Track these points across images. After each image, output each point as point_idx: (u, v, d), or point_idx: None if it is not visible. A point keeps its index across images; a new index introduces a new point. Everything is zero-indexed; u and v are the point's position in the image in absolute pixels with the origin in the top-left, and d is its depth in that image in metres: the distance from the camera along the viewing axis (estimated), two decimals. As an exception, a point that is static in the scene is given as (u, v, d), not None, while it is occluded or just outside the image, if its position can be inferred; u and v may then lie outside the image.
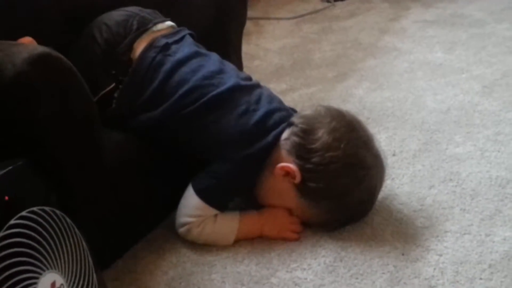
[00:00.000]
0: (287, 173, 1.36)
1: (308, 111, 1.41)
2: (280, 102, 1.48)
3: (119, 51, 1.45)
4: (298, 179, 1.35)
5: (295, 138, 1.37)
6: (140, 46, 1.46)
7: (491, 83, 1.94)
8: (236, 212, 1.41)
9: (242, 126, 1.38)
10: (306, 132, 1.36)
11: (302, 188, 1.36)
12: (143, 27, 1.49)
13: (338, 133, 1.34)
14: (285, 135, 1.38)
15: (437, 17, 2.51)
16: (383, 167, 1.40)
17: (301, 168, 1.35)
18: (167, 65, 1.43)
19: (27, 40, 1.37)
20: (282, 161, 1.37)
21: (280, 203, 1.40)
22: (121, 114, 1.42)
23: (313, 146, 1.34)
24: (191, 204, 1.38)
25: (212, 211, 1.38)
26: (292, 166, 1.35)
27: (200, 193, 1.37)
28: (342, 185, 1.33)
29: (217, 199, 1.38)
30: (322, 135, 1.34)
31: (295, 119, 1.40)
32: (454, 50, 2.21)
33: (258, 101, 1.42)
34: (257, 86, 1.48)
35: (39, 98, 1.11)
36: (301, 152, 1.35)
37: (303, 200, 1.37)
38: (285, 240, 1.38)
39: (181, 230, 1.39)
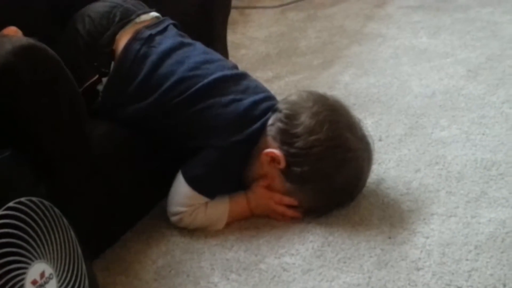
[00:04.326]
0: (272, 159, 1.37)
1: (292, 97, 1.42)
2: (267, 91, 1.49)
3: (101, 43, 1.45)
4: (282, 164, 1.36)
5: (279, 124, 1.38)
6: (122, 38, 1.45)
7: (476, 67, 1.95)
8: (226, 196, 1.42)
9: (229, 115, 1.38)
10: (289, 118, 1.37)
11: (287, 173, 1.37)
12: (126, 18, 1.48)
13: (320, 116, 1.35)
14: (270, 121, 1.39)
15: (422, 2, 2.51)
16: (369, 151, 1.40)
17: (286, 153, 1.36)
18: (153, 57, 1.42)
19: (12, 30, 1.36)
20: (268, 147, 1.38)
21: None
22: (107, 106, 1.42)
23: (296, 130, 1.35)
24: (182, 192, 1.39)
25: (203, 199, 1.39)
26: (276, 151, 1.36)
27: (190, 181, 1.38)
28: (326, 167, 1.34)
29: (207, 187, 1.39)
30: (304, 119, 1.36)
31: (279, 104, 1.41)
32: (439, 35, 2.21)
33: (245, 90, 1.43)
34: (244, 75, 1.49)
35: (25, 89, 1.11)
36: (285, 137, 1.36)
37: (289, 185, 1.38)
38: (275, 215, 1.40)
39: (173, 218, 1.40)
